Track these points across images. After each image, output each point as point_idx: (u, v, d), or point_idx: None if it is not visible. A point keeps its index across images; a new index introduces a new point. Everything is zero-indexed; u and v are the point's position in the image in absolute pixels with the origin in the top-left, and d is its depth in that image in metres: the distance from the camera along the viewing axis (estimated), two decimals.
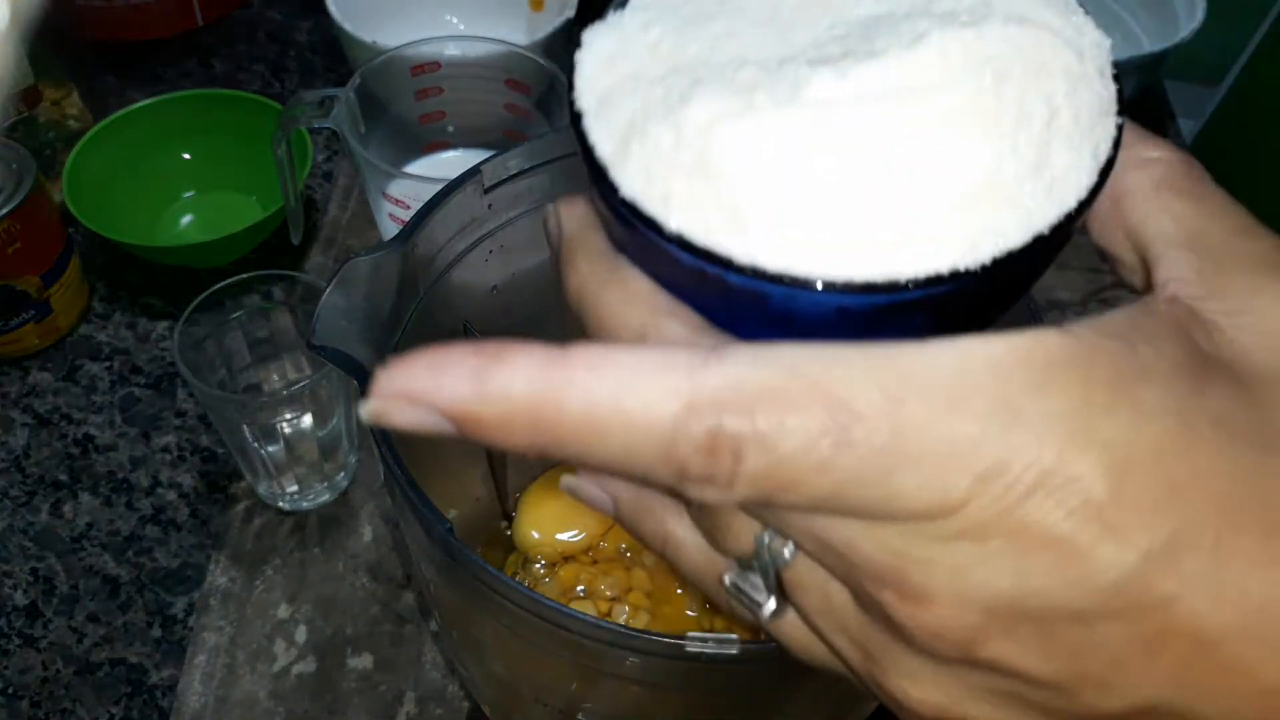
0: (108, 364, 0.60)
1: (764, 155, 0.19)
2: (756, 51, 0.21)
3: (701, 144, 0.19)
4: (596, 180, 0.21)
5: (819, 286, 0.18)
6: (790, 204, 0.19)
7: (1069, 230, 0.19)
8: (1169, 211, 0.19)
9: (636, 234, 0.20)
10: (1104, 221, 0.20)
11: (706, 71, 0.21)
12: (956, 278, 0.18)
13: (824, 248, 0.18)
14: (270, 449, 0.51)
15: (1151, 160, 0.20)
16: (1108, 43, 0.21)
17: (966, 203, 0.19)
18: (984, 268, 0.19)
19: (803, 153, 0.19)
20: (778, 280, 0.18)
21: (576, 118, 0.22)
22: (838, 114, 0.19)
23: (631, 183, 0.20)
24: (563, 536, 0.46)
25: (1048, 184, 0.19)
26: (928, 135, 0.19)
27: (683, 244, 0.19)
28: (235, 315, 0.51)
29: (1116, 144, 0.20)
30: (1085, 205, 0.19)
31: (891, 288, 0.18)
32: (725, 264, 0.19)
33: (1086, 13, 0.21)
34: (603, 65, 0.22)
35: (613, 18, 0.23)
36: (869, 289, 0.18)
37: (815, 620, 0.19)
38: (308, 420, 0.50)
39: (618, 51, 0.22)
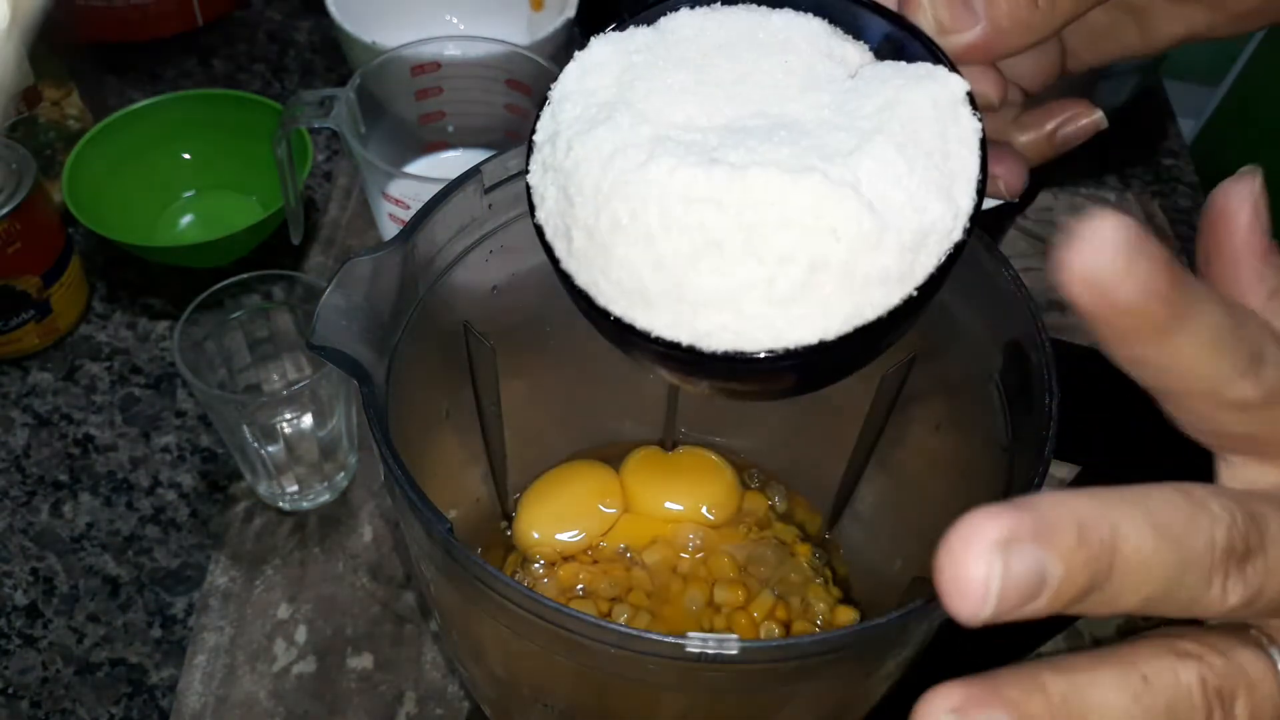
0: (108, 364, 0.60)
1: (596, 201, 0.23)
2: (674, 113, 0.25)
3: (569, 169, 0.24)
4: (527, 155, 0.26)
5: (577, 292, 0.24)
6: (592, 241, 0.23)
7: (790, 364, 0.23)
8: None
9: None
10: None
11: (625, 115, 0.24)
12: (678, 349, 0.23)
13: (603, 281, 0.24)
14: (270, 449, 0.51)
15: (1267, 274, 0.21)
16: (956, 236, 0.23)
17: (707, 303, 0.23)
18: (704, 355, 0.23)
19: (616, 211, 0.23)
20: (570, 285, 0.24)
21: (543, 102, 0.27)
22: (655, 196, 0.22)
23: (533, 173, 0.26)
24: (563, 536, 0.46)
25: (792, 319, 0.22)
26: (701, 242, 0.22)
27: (539, 231, 0.25)
28: (235, 315, 0.51)
29: (896, 314, 0.23)
30: (812, 351, 0.23)
31: (613, 322, 0.24)
32: (554, 259, 0.25)
33: (977, 202, 0.23)
34: (584, 70, 0.26)
35: (618, 34, 0.27)
36: (607, 318, 0.24)
37: None
38: (308, 420, 0.50)
39: (600, 63, 0.26)
